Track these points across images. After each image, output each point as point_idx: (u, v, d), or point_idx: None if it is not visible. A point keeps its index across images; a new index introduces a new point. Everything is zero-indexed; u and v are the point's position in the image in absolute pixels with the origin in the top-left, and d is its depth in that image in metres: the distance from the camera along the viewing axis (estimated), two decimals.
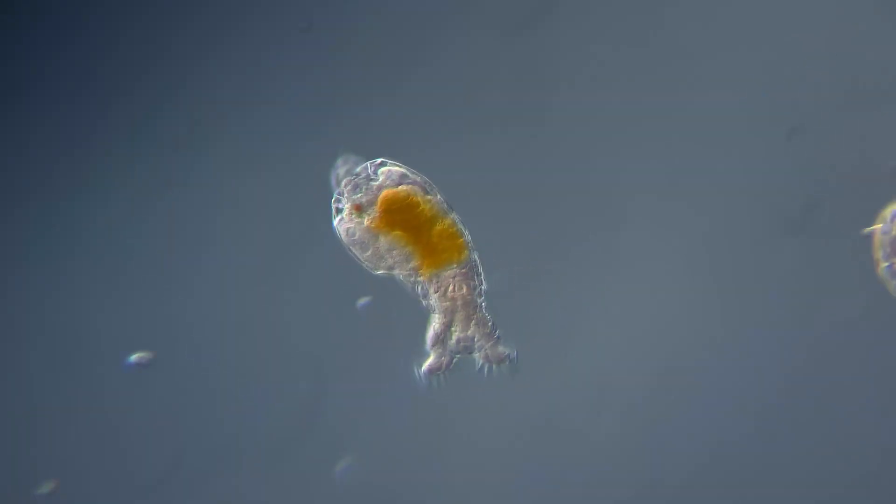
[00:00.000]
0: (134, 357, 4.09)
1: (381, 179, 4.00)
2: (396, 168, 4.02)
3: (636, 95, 4.11)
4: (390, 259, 3.99)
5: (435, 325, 4.01)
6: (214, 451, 4.09)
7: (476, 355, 4.02)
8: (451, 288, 3.99)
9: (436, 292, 3.99)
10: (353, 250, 4.01)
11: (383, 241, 3.97)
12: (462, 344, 4.01)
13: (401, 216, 3.99)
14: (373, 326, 4.10)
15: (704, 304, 4.05)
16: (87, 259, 4.19)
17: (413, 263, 3.99)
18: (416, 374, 4.00)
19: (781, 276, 4.01)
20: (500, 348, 4.01)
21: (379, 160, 4.03)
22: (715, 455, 4.00)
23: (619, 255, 4.08)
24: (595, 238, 4.09)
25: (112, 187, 4.20)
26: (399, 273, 4.00)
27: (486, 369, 4.02)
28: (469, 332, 4.01)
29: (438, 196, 4.01)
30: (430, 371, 4.01)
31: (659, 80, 4.12)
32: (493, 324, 4.02)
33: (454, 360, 4.01)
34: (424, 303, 4.02)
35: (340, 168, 4.04)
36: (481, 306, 4.02)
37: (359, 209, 3.98)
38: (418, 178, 4.00)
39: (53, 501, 4.10)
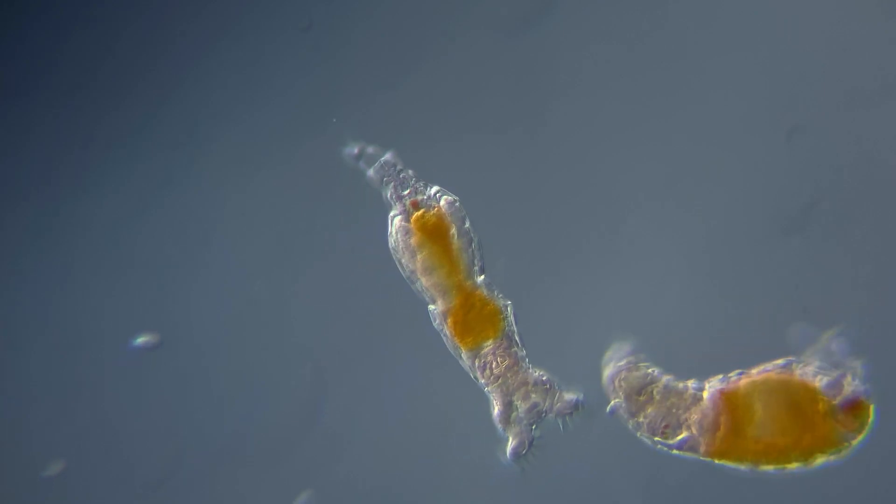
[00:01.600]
0: (140, 340, 4.08)
1: (442, 200, 4.01)
2: (459, 205, 4.02)
3: (636, 95, 4.11)
4: (428, 280, 3.97)
5: (497, 406, 3.98)
6: (214, 451, 4.10)
7: (549, 416, 3.99)
8: (493, 364, 3.97)
9: (482, 374, 3.96)
10: (398, 255, 4.00)
11: (425, 255, 3.96)
12: (531, 413, 3.97)
13: (441, 238, 3.99)
14: (373, 326, 4.11)
15: (704, 304, 4.04)
16: (88, 259, 4.19)
17: (447, 303, 3.97)
18: (507, 461, 3.96)
19: (781, 276, 4.01)
20: (567, 397, 3.99)
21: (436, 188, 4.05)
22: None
23: (619, 255, 4.08)
24: (594, 238, 4.09)
25: (112, 187, 4.20)
26: (432, 308, 4.00)
27: (563, 424, 3.98)
28: (532, 400, 3.99)
29: (476, 257, 4.01)
30: (517, 453, 3.97)
31: (658, 80, 4.12)
32: (546, 378, 4.00)
33: (534, 431, 3.97)
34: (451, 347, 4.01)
35: (391, 165, 4.04)
36: (529, 368, 4.00)
37: (415, 205, 3.97)
38: (470, 232, 4.01)
39: (55, 501, 4.11)
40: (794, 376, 3.83)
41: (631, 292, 4.05)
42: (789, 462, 3.83)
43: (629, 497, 3.99)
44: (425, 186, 4.03)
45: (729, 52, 4.09)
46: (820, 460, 3.83)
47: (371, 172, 4.05)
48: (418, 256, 3.95)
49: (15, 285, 4.21)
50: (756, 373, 3.85)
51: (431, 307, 4.00)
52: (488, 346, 3.96)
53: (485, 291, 3.99)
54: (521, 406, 3.95)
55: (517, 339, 3.99)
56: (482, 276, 4.01)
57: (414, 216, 3.99)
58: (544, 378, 3.97)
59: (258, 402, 4.11)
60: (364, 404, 4.09)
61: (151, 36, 4.24)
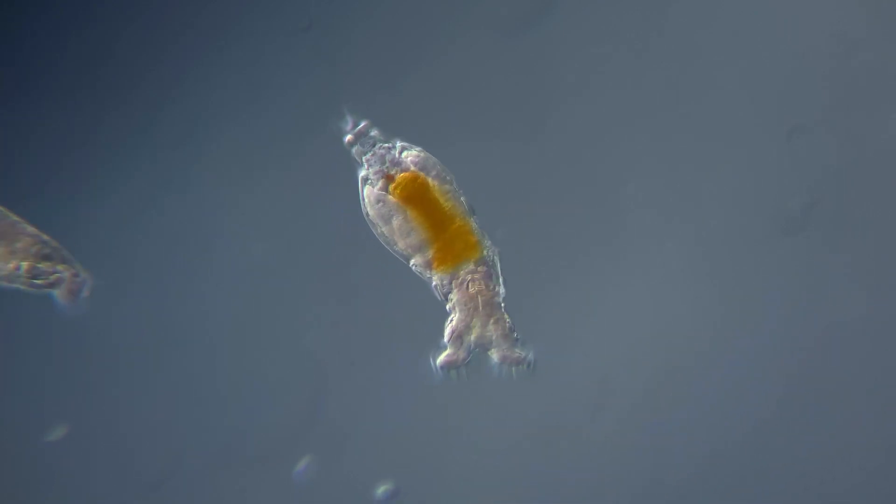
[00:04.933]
0: None
1: (409, 158, 4.00)
2: (425, 155, 4.02)
3: (636, 96, 4.12)
4: (405, 241, 3.97)
5: (454, 321, 3.99)
6: (214, 451, 4.10)
7: (492, 353, 4.00)
8: (470, 285, 3.97)
9: (457, 288, 3.97)
10: (374, 221, 3.99)
11: (402, 219, 3.96)
12: (480, 341, 4.00)
13: (421, 198, 3.98)
14: (373, 325, 4.11)
15: (704, 304, 4.05)
16: (87, 260, 4.19)
17: (427, 255, 3.97)
18: (432, 366, 3.99)
19: (781, 276, 4.01)
20: (518, 350, 4.00)
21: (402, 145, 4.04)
22: (715, 455, 4.00)
23: (620, 255, 4.09)
24: (595, 238, 4.10)
25: (112, 187, 4.20)
26: (412, 262, 3.99)
27: (501, 370, 4.00)
28: (488, 330, 3.99)
29: (461, 197, 4.01)
30: (446, 365, 3.99)
31: (658, 80, 4.12)
32: (511, 326, 4.00)
33: (470, 356, 3.99)
34: (440, 297, 4.01)
35: (366, 132, 4.03)
36: (501, 307, 4.01)
37: (390, 179, 3.97)
38: (447, 176, 4.01)
39: (55, 501, 4.11)
40: None
41: (630, 291, 4.06)
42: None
43: (629, 497, 3.99)
44: (392, 150, 4.02)
45: (729, 52, 4.10)
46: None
47: (348, 140, 4.06)
48: (400, 217, 3.96)
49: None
50: None
51: (412, 263, 4.00)
52: (468, 268, 3.97)
53: (474, 226, 4.00)
54: (476, 332, 3.97)
55: (499, 277, 4.00)
56: (473, 217, 4.02)
57: (392, 186, 3.99)
58: (509, 323, 3.98)
59: (258, 402, 4.11)
60: (364, 404, 4.09)
61: (151, 36, 4.24)
